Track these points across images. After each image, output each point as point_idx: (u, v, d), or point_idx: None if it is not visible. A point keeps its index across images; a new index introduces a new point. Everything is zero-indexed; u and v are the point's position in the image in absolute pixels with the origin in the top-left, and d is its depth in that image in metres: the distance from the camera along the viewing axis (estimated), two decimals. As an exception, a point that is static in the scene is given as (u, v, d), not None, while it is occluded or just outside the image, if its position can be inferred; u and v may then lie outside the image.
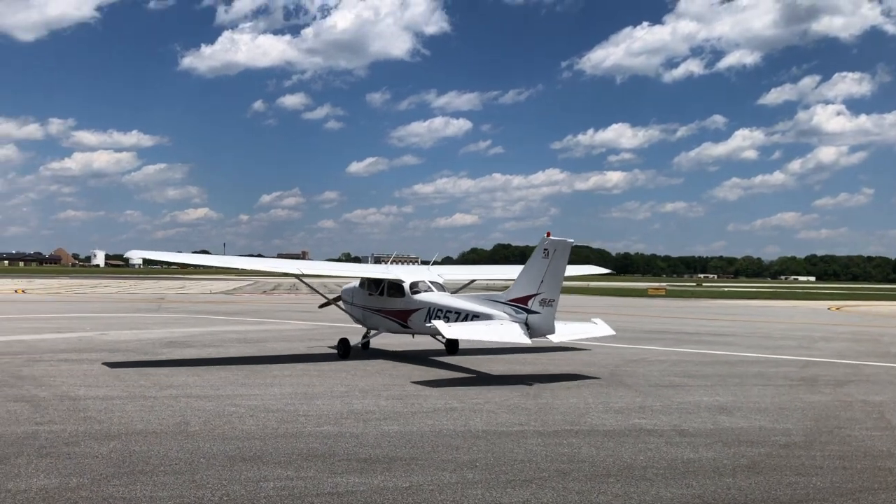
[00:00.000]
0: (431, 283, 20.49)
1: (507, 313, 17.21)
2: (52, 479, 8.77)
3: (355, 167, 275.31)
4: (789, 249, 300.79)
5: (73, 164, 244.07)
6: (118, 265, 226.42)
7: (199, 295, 61.94)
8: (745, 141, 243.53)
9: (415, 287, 20.24)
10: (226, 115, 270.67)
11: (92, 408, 12.98)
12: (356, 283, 22.38)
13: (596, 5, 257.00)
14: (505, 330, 16.95)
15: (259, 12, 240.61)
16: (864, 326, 38.13)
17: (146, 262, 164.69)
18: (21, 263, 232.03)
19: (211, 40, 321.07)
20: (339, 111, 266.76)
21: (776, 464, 10.14)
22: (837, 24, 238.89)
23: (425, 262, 25.44)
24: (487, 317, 17.44)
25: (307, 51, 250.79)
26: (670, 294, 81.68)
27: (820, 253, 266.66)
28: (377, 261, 35.80)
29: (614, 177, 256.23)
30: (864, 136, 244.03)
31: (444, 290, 20.55)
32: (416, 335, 20.88)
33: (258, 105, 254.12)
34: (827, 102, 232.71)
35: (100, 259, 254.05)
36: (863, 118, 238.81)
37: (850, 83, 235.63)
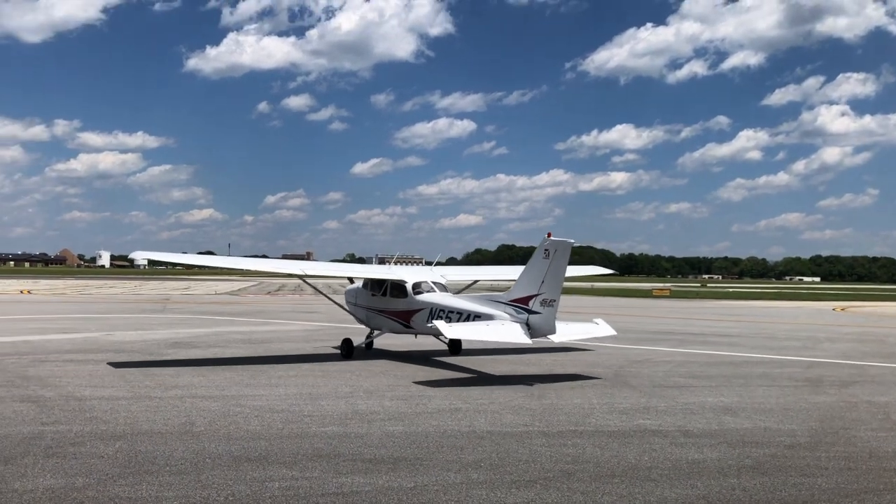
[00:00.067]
0: (434, 283, 20.57)
1: (509, 314, 17.26)
2: (58, 479, 8.81)
3: (360, 168, 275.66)
4: (794, 250, 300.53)
5: (79, 165, 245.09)
6: (123, 266, 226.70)
7: (203, 296, 62.05)
8: (749, 142, 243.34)
9: (417, 287, 20.30)
10: (231, 117, 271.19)
11: (98, 408, 13.02)
12: (359, 283, 22.44)
13: (600, 6, 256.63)
14: (506, 330, 17.01)
15: (264, 14, 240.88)
16: (868, 327, 38.04)
17: (151, 262, 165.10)
18: (27, 264, 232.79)
19: (216, 42, 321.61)
20: (344, 112, 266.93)
21: (781, 465, 10.13)
22: (842, 25, 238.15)
23: (429, 263, 25.50)
24: (489, 317, 17.49)
25: (312, 52, 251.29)
26: (675, 295, 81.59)
27: (825, 253, 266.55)
28: (381, 261, 35.79)
29: (618, 177, 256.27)
30: (869, 137, 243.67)
31: (447, 291, 20.61)
32: (418, 335, 20.93)
33: (263, 106, 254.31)
34: (831, 103, 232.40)
35: (105, 260, 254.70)
36: (867, 119, 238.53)
37: (854, 84, 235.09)
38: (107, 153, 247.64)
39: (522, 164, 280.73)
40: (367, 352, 21.76)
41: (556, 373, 18.72)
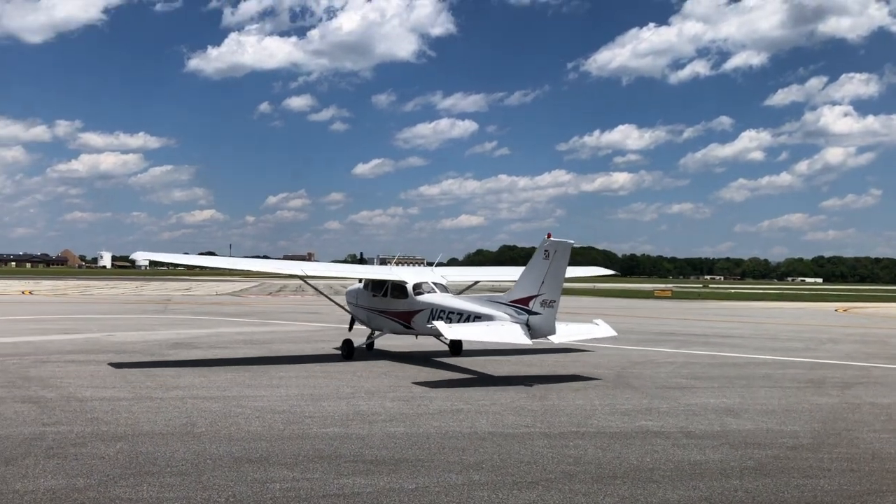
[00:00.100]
0: (434, 284, 20.59)
1: (509, 314, 17.28)
2: (59, 480, 8.80)
3: (361, 169, 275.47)
4: (796, 251, 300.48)
5: (80, 165, 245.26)
6: (125, 266, 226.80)
7: (205, 296, 62.09)
8: (751, 142, 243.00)
9: (418, 288, 20.33)
10: (232, 117, 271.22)
11: (99, 409, 13.01)
12: (360, 284, 22.47)
13: (602, 6, 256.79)
14: (506, 331, 17.02)
15: (265, 14, 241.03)
16: (871, 328, 37.99)
17: (152, 263, 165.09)
18: (28, 265, 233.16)
19: (217, 42, 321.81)
20: (345, 113, 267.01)
21: (783, 466, 10.10)
22: (845, 25, 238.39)
23: (430, 264, 25.53)
24: (489, 318, 17.51)
25: (313, 52, 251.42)
26: (677, 296, 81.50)
27: (827, 254, 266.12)
28: (383, 262, 35.77)
29: (620, 178, 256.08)
30: (872, 137, 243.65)
31: (448, 292, 20.62)
32: (419, 336, 20.93)
33: (264, 107, 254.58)
34: (834, 103, 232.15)
35: (106, 260, 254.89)
36: (870, 119, 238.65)
37: (857, 84, 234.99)
38: (108, 154, 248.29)
39: (524, 165, 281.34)
40: (368, 352, 21.77)
41: (557, 374, 18.69)
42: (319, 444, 10.73)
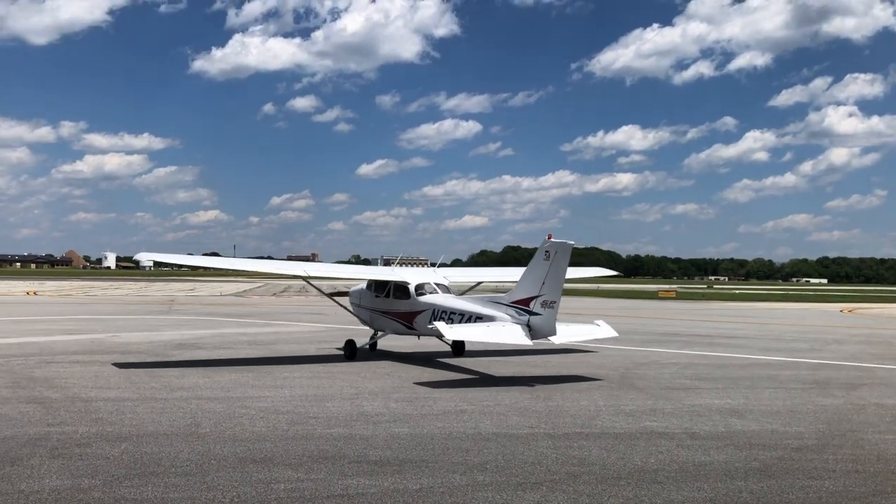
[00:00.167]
0: (437, 284, 20.66)
1: (510, 315, 17.32)
2: (64, 480, 8.82)
3: (365, 169, 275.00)
4: (801, 251, 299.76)
5: (85, 166, 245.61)
6: (129, 267, 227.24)
7: (209, 297, 62.17)
8: (755, 143, 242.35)
9: (420, 289, 20.38)
10: (236, 118, 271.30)
11: (103, 409, 13.04)
12: (363, 285, 22.51)
13: (605, 7, 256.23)
14: (506, 331, 17.07)
15: (269, 15, 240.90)
16: (876, 329, 37.90)
17: (157, 264, 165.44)
18: (33, 265, 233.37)
19: (221, 43, 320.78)
20: (349, 114, 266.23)
21: (788, 467, 10.09)
22: (849, 25, 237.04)
23: (434, 265, 25.55)
24: (490, 318, 17.57)
25: (317, 54, 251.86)
26: (681, 296, 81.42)
27: (832, 255, 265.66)
28: (386, 263, 35.80)
29: (624, 179, 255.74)
30: (877, 138, 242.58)
31: (450, 292, 20.67)
32: (421, 337, 20.96)
33: (268, 108, 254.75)
34: (838, 104, 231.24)
35: (111, 261, 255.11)
36: (875, 119, 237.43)
37: (861, 84, 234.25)
38: (112, 154, 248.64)
39: (528, 166, 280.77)
40: (371, 353, 21.81)
41: (561, 375, 18.68)
42: (323, 445, 10.74)
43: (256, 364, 19.62)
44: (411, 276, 21.18)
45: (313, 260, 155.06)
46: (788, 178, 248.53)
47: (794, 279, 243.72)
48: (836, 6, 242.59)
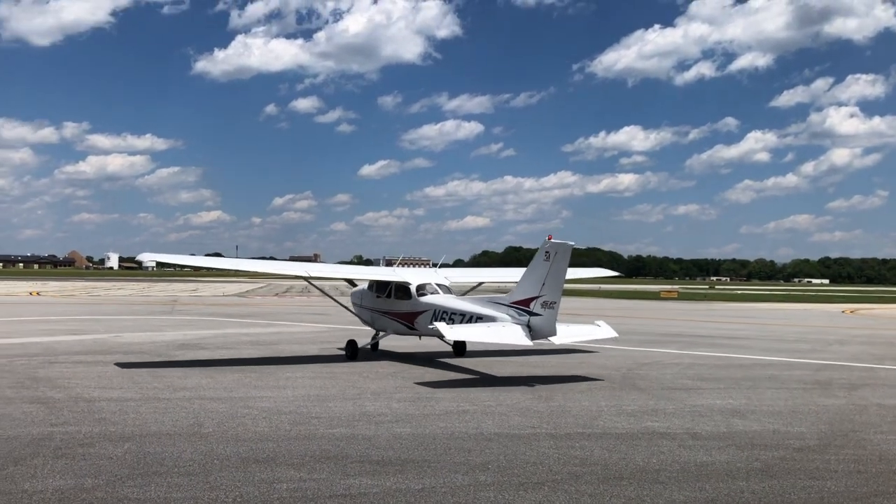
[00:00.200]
0: (438, 285, 20.71)
1: (510, 315, 17.35)
2: (67, 480, 8.85)
3: (367, 170, 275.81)
4: (803, 252, 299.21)
5: (88, 167, 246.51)
6: (132, 268, 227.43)
7: (211, 297, 62.24)
8: (757, 143, 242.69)
9: (421, 289, 20.43)
10: (238, 119, 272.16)
11: (106, 409, 13.07)
12: (365, 285, 22.56)
13: (607, 8, 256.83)
14: (506, 332, 17.10)
15: (272, 17, 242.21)
16: (878, 329, 37.87)
17: (159, 264, 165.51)
18: (35, 266, 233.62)
19: (224, 44, 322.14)
20: (351, 114, 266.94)
21: (790, 467, 10.09)
22: (851, 26, 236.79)
23: (436, 265, 25.59)
24: (490, 319, 17.62)
25: (319, 55, 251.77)
26: (683, 297, 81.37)
27: (834, 255, 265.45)
28: (388, 263, 35.80)
29: (626, 179, 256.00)
30: (878, 138, 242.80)
31: (451, 293, 20.70)
32: (422, 337, 20.99)
33: (271, 109, 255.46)
34: (840, 104, 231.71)
35: (113, 262, 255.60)
36: (876, 120, 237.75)
37: (863, 85, 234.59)
38: (115, 155, 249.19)
39: (530, 166, 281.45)
40: (373, 353, 21.85)
41: (563, 375, 18.69)
42: (326, 445, 10.76)
43: (259, 364, 19.65)
44: (412, 276, 21.23)
45: (315, 260, 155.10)
46: (790, 179, 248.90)
47: (796, 280, 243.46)
48: (837, 7, 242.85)
